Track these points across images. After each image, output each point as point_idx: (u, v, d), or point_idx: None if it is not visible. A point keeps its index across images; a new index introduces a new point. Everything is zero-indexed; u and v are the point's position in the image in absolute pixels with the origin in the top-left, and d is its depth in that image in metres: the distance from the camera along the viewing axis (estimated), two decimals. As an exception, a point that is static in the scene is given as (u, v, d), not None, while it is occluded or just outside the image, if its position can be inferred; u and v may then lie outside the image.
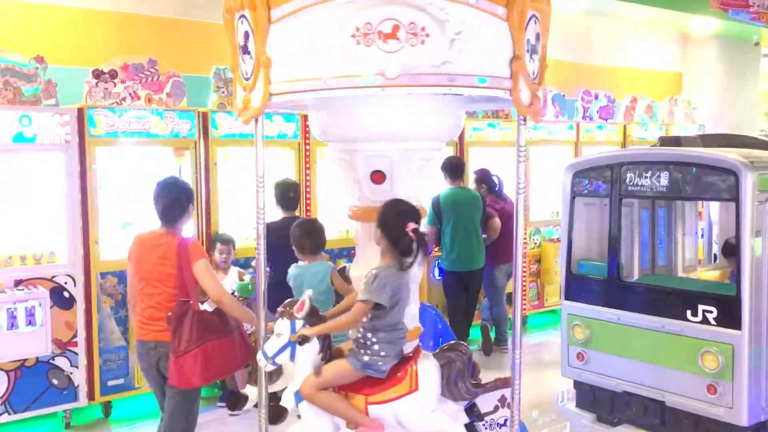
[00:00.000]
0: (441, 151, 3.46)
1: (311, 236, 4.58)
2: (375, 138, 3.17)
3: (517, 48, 2.84)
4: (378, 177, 3.23)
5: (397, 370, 3.25)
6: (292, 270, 4.57)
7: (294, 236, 4.59)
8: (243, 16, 2.86)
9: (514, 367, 3.15)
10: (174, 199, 4.12)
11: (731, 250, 4.96)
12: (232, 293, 5.52)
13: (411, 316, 3.35)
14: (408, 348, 3.31)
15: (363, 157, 3.24)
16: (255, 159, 3.19)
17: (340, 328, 3.34)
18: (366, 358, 3.18)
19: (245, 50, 2.92)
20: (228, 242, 5.96)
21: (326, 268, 4.49)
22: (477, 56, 2.82)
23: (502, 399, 3.39)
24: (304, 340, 3.21)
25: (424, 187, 3.44)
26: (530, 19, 2.88)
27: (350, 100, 2.99)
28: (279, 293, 3.96)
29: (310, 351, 3.24)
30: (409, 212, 3.15)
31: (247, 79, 2.94)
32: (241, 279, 5.76)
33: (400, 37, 2.69)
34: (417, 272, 3.38)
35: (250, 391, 3.81)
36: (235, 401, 3.87)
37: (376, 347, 3.18)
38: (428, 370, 3.32)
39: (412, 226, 3.11)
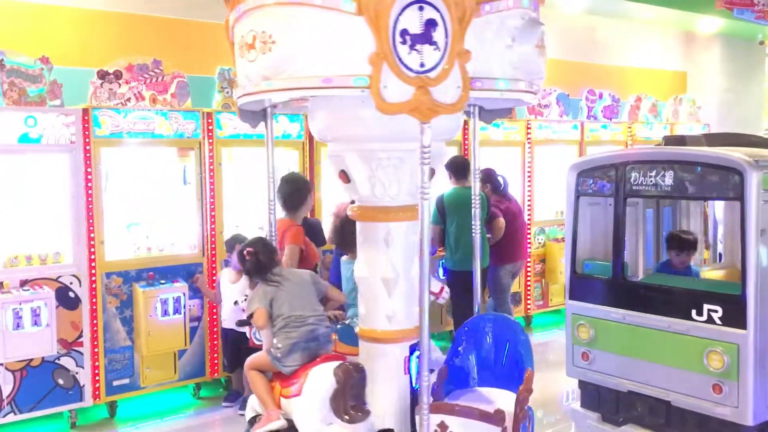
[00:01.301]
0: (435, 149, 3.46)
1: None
2: (372, 138, 3.17)
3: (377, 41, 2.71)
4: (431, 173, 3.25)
5: (302, 370, 3.50)
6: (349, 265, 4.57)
7: (342, 235, 4.66)
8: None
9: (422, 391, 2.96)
10: (293, 190, 5.29)
11: (678, 243, 5.01)
12: (246, 299, 5.49)
13: (405, 315, 3.35)
14: (397, 350, 3.32)
15: (361, 157, 3.24)
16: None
17: None
18: (272, 350, 3.65)
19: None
20: None
21: None
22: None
23: (442, 425, 3.14)
24: None
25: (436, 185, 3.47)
26: (404, 8, 2.70)
27: (347, 100, 2.97)
28: None
29: None
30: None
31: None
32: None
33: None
34: (415, 273, 3.39)
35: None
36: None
37: (275, 339, 3.66)
38: (316, 377, 3.38)
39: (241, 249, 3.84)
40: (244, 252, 3.88)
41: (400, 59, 2.68)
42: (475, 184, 3.85)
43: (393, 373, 3.35)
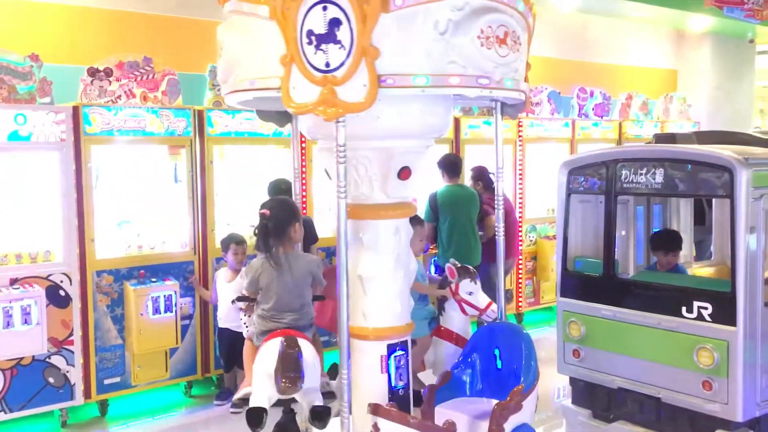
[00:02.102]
0: (430, 148, 3.45)
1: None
2: (395, 136, 3.16)
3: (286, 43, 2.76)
4: (405, 173, 3.26)
5: None
6: None
7: None
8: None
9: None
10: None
11: (663, 244, 5.02)
12: (243, 297, 5.46)
13: (393, 313, 3.35)
14: (372, 348, 3.32)
15: (386, 155, 3.22)
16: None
17: None
18: (251, 326, 4.00)
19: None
20: (242, 243, 5.85)
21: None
22: None
23: (375, 427, 3.07)
24: None
25: (418, 184, 3.44)
26: (309, 9, 2.72)
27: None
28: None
29: None
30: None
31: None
32: None
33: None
34: (411, 268, 3.39)
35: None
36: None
37: (254, 317, 3.98)
38: (264, 349, 3.65)
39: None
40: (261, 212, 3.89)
41: (307, 60, 2.72)
42: (498, 184, 3.72)
43: (369, 371, 3.33)
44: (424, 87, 2.78)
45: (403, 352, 3.34)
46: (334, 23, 2.67)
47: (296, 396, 3.66)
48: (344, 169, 2.84)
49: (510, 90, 3.02)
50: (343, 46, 2.68)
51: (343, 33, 2.67)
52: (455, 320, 4.65)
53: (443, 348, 4.64)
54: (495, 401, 3.37)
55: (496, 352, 3.65)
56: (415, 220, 4.35)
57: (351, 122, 2.83)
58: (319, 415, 3.57)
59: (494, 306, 4.51)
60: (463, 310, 4.60)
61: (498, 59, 2.86)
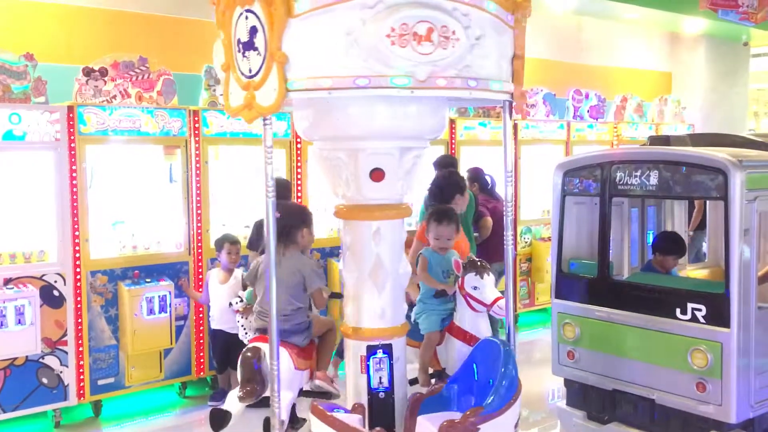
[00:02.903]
0: (427, 149, 3.44)
1: None
2: (362, 137, 3.15)
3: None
4: (378, 174, 3.21)
5: None
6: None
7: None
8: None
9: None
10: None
11: (665, 246, 5.01)
12: (240, 301, 5.50)
13: (373, 314, 3.33)
14: (353, 346, 3.36)
15: (356, 156, 3.21)
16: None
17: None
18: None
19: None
20: (236, 243, 5.83)
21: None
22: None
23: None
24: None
25: (413, 185, 3.41)
26: (238, 18, 2.79)
27: (337, 99, 2.95)
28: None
29: None
30: None
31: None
32: (245, 284, 5.58)
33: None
34: (401, 271, 3.38)
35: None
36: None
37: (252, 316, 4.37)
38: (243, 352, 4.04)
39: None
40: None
41: (237, 66, 2.86)
42: (507, 190, 3.48)
43: (352, 370, 3.37)
44: (330, 89, 2.74)
45: (386, 356, 3.29)
46: (253, 31, 2.76)
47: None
48: (271, 169, 2.89)
49: (455, 89, 2.87)
50: (259, 52, 2.75)
51: (259, 40, 2.75)
52: (465, 317, 4.41)
53: (454, 346, 4.45)
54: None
55: (474, 367, 3.53)
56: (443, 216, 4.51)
57: (323, 122, 2.97)
58: (214, 417, 3.89)
59: (502, 302, 4.23)
60: (470, 306, 4.35)
61: (418, 57, 2.72)
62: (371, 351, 3.29)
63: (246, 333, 5.55)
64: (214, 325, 5.88)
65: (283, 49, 2.70)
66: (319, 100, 2.94)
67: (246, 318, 5.53)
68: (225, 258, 5.80)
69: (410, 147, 3.27)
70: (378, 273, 3.29)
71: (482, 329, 4.36)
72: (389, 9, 2.68)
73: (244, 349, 4.07)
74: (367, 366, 3.28)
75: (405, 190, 3.35)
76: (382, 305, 3.32)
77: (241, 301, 5.52)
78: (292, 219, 4.13)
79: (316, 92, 2.76)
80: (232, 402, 3.90)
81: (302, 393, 4.32)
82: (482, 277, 4.28)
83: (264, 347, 3.88)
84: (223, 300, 5.72)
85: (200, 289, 6.00)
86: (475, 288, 4.31)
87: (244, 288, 5.56)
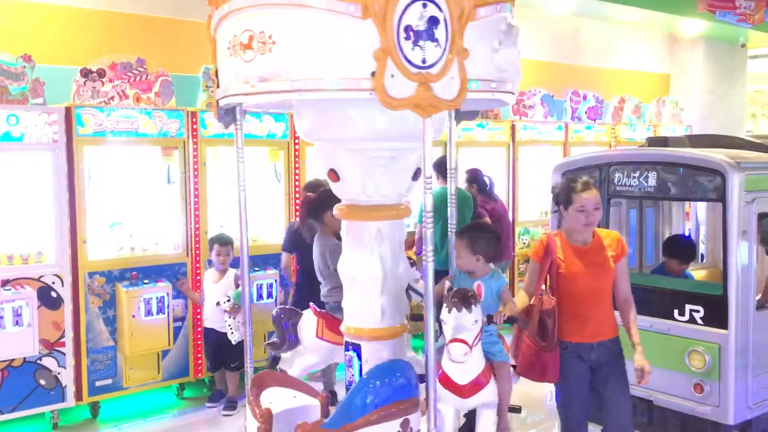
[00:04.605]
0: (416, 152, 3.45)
1: None
2: (363, 137, 3.16)
3: None
4: (331, 175, 3.33)
5: None
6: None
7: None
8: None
9: None
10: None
11: (677, 251, 4.97)
12: (228, 300, 5.58)
13: (344, 311, 3.43)
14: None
15: (352, 156, 3.23)
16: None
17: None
18: None
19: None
20: (227, 243, 5.82)
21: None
22: None
23: (405, 423, 3.01)
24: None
25: (411, 186, 3.42)
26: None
27: (339, 101, 2.96)
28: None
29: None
30: None
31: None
32: (237, 284, 5.70)
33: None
34: (404, 272, 3.38)
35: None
36: None
37: None
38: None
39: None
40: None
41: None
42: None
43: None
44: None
45: (354, 353, 3.34)
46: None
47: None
48: (243, 168, 3.18)
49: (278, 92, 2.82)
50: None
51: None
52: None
53: None
54: None
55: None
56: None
57: (379, 123, 2.98)
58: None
59: (453, 346, 3.64)
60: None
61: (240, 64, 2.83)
62: (346, 348, 3.40)
63: (233, 332, 5.66)
64: (206, 324, 5.92)
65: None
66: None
67: (233, 317, 5.63)
68: (214, 258, 5.81)
69: (408, 147, 3.30)
70: (377, 274, 3.30)
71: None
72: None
73: (279, 307, 4.61)
74: (350, 362, 3.38)
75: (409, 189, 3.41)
76: (372, 305, 3.34)
77: (229, 300, 5.61)
78: (319, 201, 4.67)
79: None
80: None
81: None
82: (449, 311, 3.41)
83: (306, 313, 4.41)
84: (215, 300, 5.76)
85: (199, 291, 6.01)
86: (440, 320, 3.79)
87: (237, 287, 5.65)
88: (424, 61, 2.69)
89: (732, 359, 4.07)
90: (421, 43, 2.68)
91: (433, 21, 2.68)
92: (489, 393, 3.52)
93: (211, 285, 5.82)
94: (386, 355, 3.31)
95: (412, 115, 3.11)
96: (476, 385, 3.46)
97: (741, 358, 4.10)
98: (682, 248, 5.06)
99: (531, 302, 3.82)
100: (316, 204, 4.86)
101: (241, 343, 5.12)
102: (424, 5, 2.67)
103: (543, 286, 3.88)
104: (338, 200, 3.74)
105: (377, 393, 2.97)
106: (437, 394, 3.17)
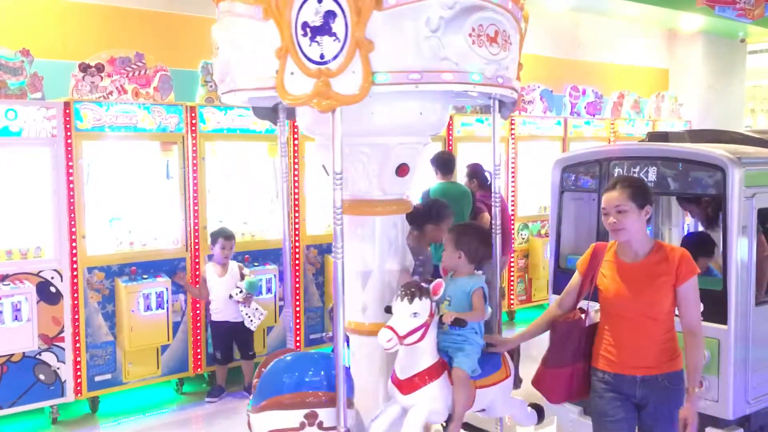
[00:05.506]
0: (427, 145, 3.47)
1: None
2: (369, 133, 3.17)
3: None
4: (403, 169, 3.31)
5: None
6: None
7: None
8: None
9: None
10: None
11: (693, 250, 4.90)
12: (240, 291, 5.67)
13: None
14: None
15: (385, 151, 3.25)
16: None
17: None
18: None
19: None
20: (231, 237, 5.93)
21: None
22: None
23: (311, 415, 3.01)
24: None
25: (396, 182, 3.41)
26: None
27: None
28: None
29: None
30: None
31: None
32: (242, 275, 5.90)
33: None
34: (394, 268, 3.38)
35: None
36: None
37: None
38: None
39: None
40: None
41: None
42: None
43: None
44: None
45: (346, 344, 3.36)
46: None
47: None
48: (285, 161, 3.23)
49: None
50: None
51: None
52: None
53: None
54: None
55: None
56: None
57: (349, 117, 2.83)
58: None
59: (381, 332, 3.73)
60: None
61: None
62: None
63: (251, 320, 5.84)
64: (217, 318, 5.94)
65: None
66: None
67: (248, 306, 5.82)
68: (218, 252, 5.86)
69: (425, 143, 3.38)
70: (357, 269, 3.34)
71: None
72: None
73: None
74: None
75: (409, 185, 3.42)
76: (364, 300, 3.38)
77: (241, 291, 5.78)
78: (421, 213, 4.52)
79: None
80: None
81: None
82: (395, 299, 3.27)
83: None
84: (225, 292, 5.85)
85: (197, 285, 6.01)
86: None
87: (242, 278, 5.85)
88: (322, 57, 2.70)
89: (731, 354, 4.06)
90: (318, 38, 2.69)
91: (329, 15, 2.67)
92: (426, 395, 3.19)
93: (217, 279, 5.87)
94: (367, 351, 3.37)
95: (410, 110, 3.13)
96: (412, 383, 3.20)
97: (740, 353, 4.10)
98: (693, 247, 4.95)
99: (566, 315, 3.47)
100: (421, 213, 4.62)
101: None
102: (320, 0, 2.67)
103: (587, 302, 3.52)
104: (444, 215, 4.19)
105: (289, 379, 3.05)
106: (389, 391, 3.26)
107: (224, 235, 5.89)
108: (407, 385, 3.21)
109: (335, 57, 2.68)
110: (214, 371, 6.17)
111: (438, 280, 3.25)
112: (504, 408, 3.66)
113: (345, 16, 2.65)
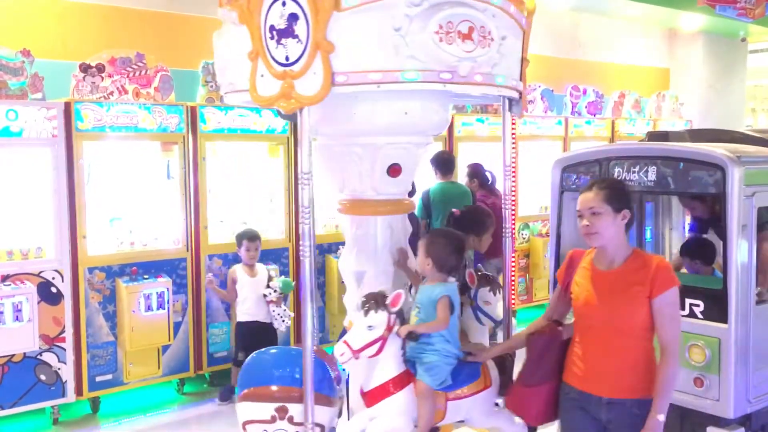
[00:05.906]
0: (429, 145, 3.47)
1: None
2: (370, 132, 3.18)
3: None
4: (396, 170, 3.28)
5: None
6: None
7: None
8: None
9: None
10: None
11: (694, 253, 4.90)
12: (274, 291, 5.67)
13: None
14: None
15: (375, 152, 3.25)
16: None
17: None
18: None
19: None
20: (256, 238, 5.86)
21: None
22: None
23: (282, 409, 3.03)
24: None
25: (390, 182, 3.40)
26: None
27: (347, 95, 2.95)
28: None
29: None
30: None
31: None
32: (270, 276, 5.88)
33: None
34: (388, 265, 3.38)
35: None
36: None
37: None
38: None
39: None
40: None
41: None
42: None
43: None
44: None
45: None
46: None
47: None
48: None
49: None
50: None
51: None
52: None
53: None
54: None
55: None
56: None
57: (338, 117, 2.88)
58: None
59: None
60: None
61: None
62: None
63: (283, 320, 5.83)
64: (245, 318, 5.83)
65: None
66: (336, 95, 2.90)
67: (279, 306, 5.82)
68: (244, 254, 5.83)
69: (421, 143, 3.35)
70: (351, 268, 3.36)
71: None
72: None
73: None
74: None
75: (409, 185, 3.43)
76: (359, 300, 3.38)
77: (275, 291, 5.77)
78: (463, 222, 4.10)
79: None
80: None
81: None
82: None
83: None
84: (257, 293, 5.81)
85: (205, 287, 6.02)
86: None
87: (269, 279, 5.85)
88: (287, 59, 2.75)
89: (732, 353, 4.06)
90: (283, 41, 2.74)
91: (293, 18, 2.71)
92: (390, 407, 3.12)
93: (249, 280, 5.82)
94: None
95: (410, 111, 3.14)
96: (375, 395, 3.13)
97: (741, 352, 4.10)
98: (701, 250, 4.95)
99: (541, 329, 3.26)
100: (458, 220, 4.38)
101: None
102: (284, 3, 2.71)
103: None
104: (482, 224, 4.01)
105: (264, 372, 3.13)
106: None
107: (248, 237, 5.85)
108: (371, 397, 3.14)
109: (298, 59, 2.72)
110: (215, 371, 6.17)
111: (398, 291, 3.11)
112: (485, 420, 3.47)
113: (306, 18, 2.68)
